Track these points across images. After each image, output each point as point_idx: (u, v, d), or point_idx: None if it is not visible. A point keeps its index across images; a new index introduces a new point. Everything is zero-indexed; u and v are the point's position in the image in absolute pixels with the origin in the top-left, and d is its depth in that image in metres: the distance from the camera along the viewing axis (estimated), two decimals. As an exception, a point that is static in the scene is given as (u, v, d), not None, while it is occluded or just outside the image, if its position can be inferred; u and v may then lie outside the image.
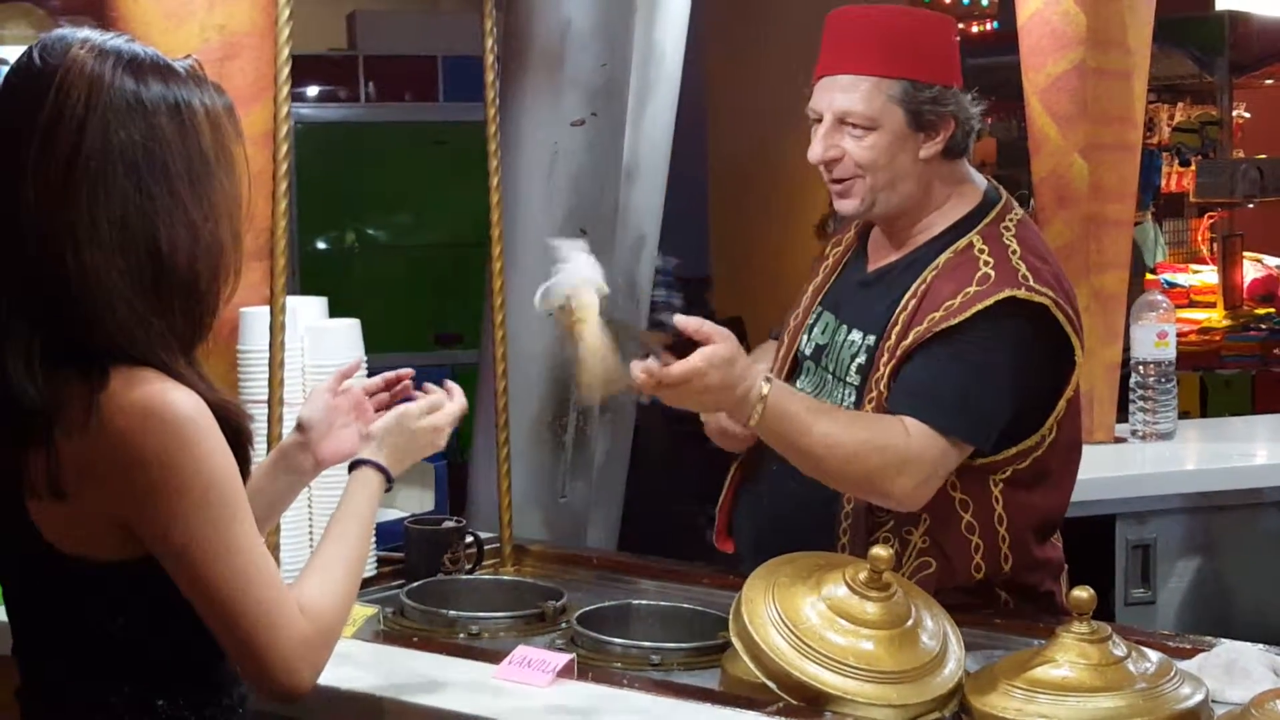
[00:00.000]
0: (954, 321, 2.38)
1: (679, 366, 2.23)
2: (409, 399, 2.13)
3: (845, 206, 2.52)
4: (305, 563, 1.88)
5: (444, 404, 2.10)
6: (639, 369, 2.23)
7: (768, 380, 2.31)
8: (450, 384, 2.14)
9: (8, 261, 1.68)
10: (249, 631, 1.70)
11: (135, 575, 1.71)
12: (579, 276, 2.20)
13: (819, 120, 2.50)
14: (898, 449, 2.34)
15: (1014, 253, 2.44)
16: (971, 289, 2.40)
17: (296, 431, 2.11)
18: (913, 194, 2.50)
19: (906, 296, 2.46)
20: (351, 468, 2.01)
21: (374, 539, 2.66)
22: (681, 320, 2.28)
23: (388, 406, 2.15)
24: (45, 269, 1.66)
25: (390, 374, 2.18)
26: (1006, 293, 2.38)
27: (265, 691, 1.74)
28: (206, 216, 1.71)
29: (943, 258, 2.47)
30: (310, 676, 1.74)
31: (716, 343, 2.25)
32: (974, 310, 2.38)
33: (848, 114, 2.46)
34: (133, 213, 1.67)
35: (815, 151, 2.49)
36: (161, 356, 1.68)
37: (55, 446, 1.66)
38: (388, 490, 2.02)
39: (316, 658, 1.75)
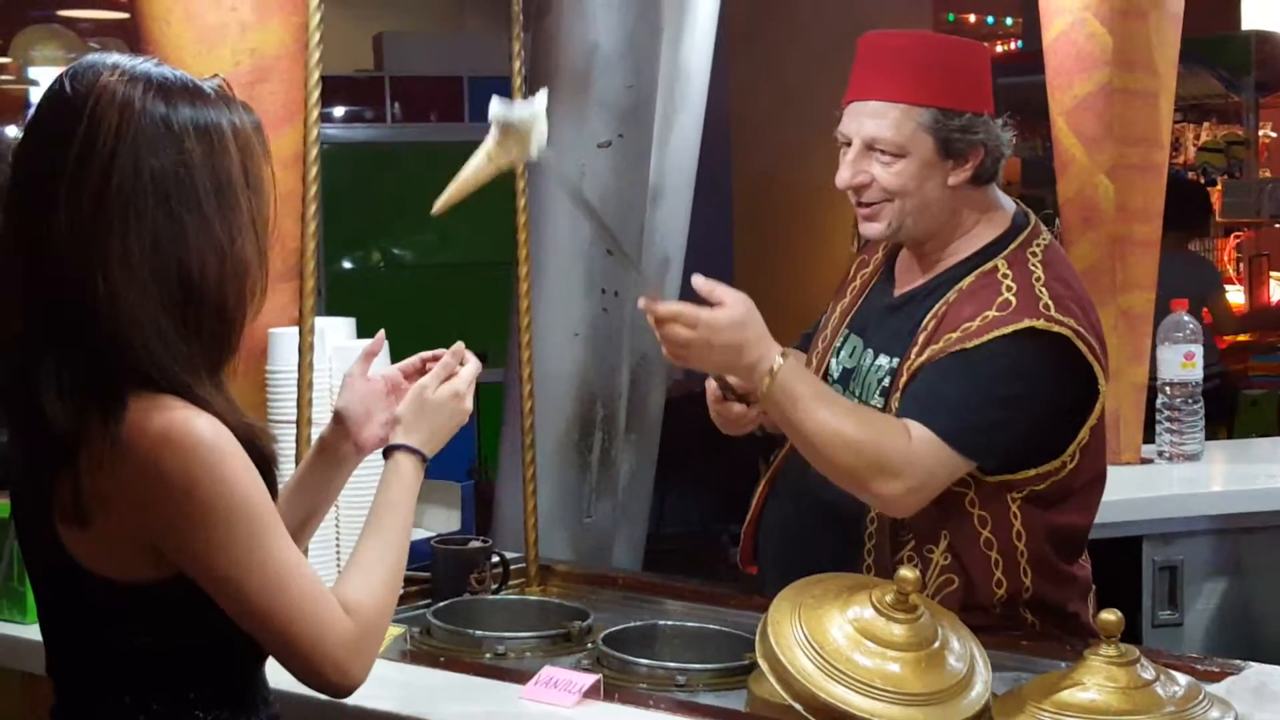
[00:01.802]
0: (970, 344, 2.38)
1: (668, 305, 2.27)
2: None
3: (871, 230, 2.53)
4: (346, 560, 1.88)
5: (456, 368, 2.06)
6: (644, 300, 2.29)
7: (784, 355, 2.32)
8: (459, 346, 2.09)
9: (40, 288, 1.69)
10: (296, 639, 1.71)
11: (164, 595, 1.72)
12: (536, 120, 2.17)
13: (848, 144, 2.50)
14: (897, 451, 2.34)
15: (1038, 279, 2.43)
16: (991, 313, 2.40)
17: (334, 422, 2.09)
18: (940, 220, 2.51)
19: (928, 318, 2.47)
20: (384, 456, 1.99)
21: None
22: (698, 280, 2.32)
23: None
24: (78, 297, 1.67)
25: (427, 353, 2.13)
26: (1026, 323, 2.38)
27: (323, 691, 1.77)
28: (234, 237, 1.72)
29: (966, 280, 2.48)
30: (362, 672, 1.77)
31: (728, 305, 2.28)
32: (992, 335, 2.38)
33: (876, 140, 2.46)
34: (164, 238, 1.68)
35: (844, 177, 2.50)
36: (188, 381, 1.69)
37: (80, 472, 1.67)
38: (426, 471, 1.99)
39: (366, 653, 1.77)
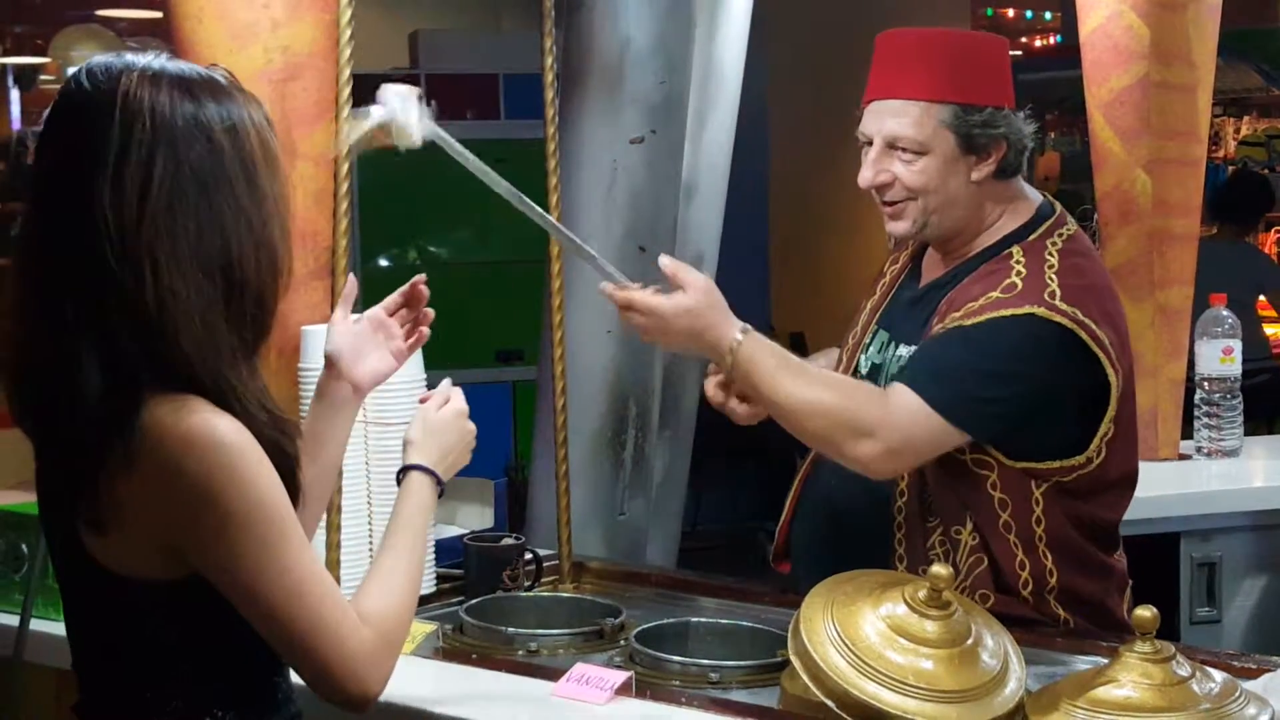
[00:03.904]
0: (969, 322, 2.38)
1: (623, 294, 2.32)
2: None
3: (897, 228, 2.53)
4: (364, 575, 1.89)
5: (453, 393, 2.10)
6: (607, 286, 2.33)
7: (741, 336, 2.33)
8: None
9: (82, 289, 1.69)
10: (312, 647, 1.71)
11: (184, 594, 1.72)
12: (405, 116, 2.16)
13: (869, 144, 2.50)
14: (868, 412, 2.34)
15: (1050, 267, 2.42)
16: (996, 294, 2.40)
17: (326, 366, 2.12)
18: (965, 215, 2.50)
19: (941, 304, 2.47)
20: (398, 481, 2.01)
21: (432, 548, 2.66)
22: (663, 260, 2.36)
23: (414, 321, 2.17)
24: (127, 296, 1.67)
25: (404, 286, 2.18)
26: (1027, 308, 2.36)
27: (338, 702, 1.76)
28: (265, 222, 1.74)
29: (982, 266, 2.47)
30: (379, 683, 1.76)
31: (687, 291, 2.31)
32: (993, 315, 2.37)
33: (898, 139, 2.46)
34: (207, 232, 1.69)
35: (865, 176, 2.50)
36: (227, 375, 1.70)
37: (104, 473, 1.68)
38: (441, 493, 2.02)
39: (383, 665, 1.77)
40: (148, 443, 1.66)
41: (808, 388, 2.36)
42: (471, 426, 2.08)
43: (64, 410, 1.69)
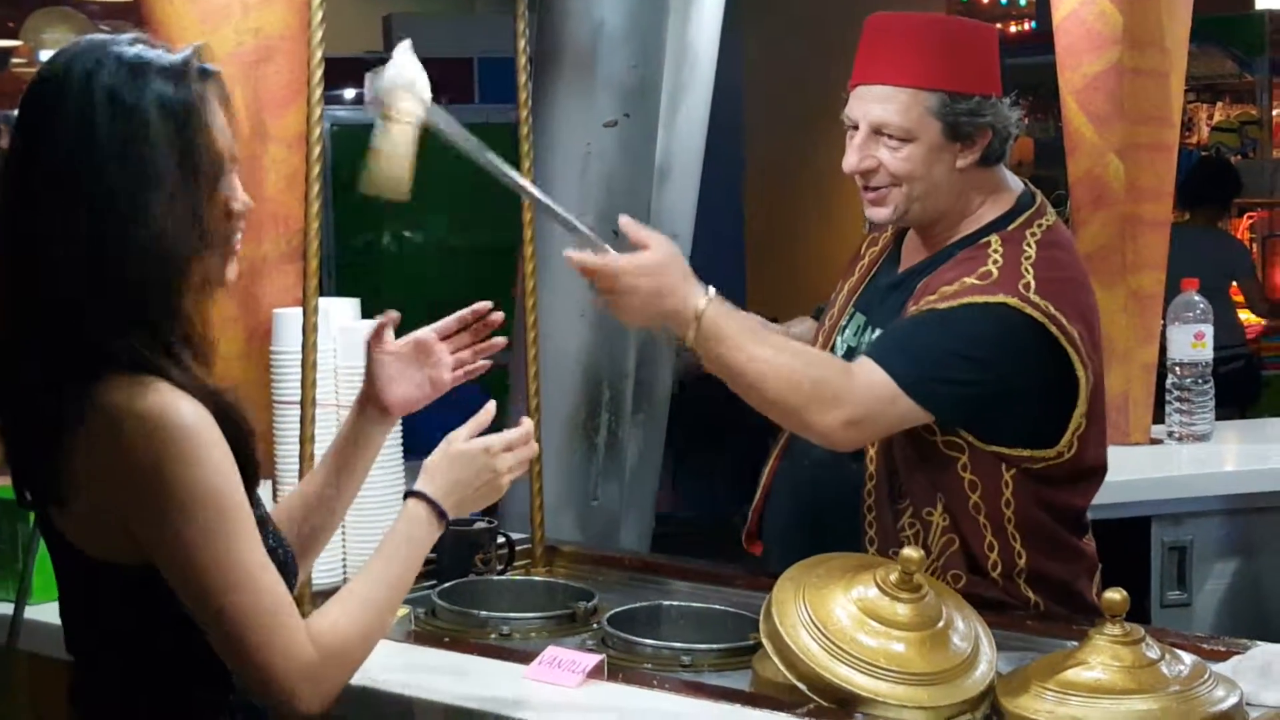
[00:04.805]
0: (942, 306, 2.38)
1: (595, 259, 2.26)
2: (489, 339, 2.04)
3: (878, 214, 2.52)
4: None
5: (514, 441, 1.96)
6: (568, 253, 2.27)
7: (707, 298, 2.30)
8: (527, 421, 2.00)
9: (16, 274, 1.70)
10: (243, 647, 1.68)
11: (146, 578, 1.70)
12: (404, 78, 2.13)
13: (854, 128, 2.49)
14: (831, 382, 2.33)
15: (1027, 258, 2.42)
16: (970, 280, 2.39)
17: (364, 385, 2.05)
18: (948, 202, 2.50)
19: (917, 288, 2.47)
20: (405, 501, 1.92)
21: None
22: (624, 220, 2.32)
23: (471, 345, 2.06)
24: (40, 282, 1.67)
25: (465, 311, 2.05)
26: (1000, 298, 2.36)
27: (270, 705, 1.73)
28: (161, 210, 1.68)
29: (961, 252, 2.47)
30: (313, 700, 1.70)
31: (650, 249, 2.27)
32: (965, 301, 2.37)
33: (884, 125, 2.45)
34: (111, 217, 1.66)
35: (850, 161, 2.49)
36: (157, 361, 1.67)
37: (62, 453, 1.67)
38: (444, 529, 1.90)
39: (320, 685, 1.71)
40: (105, 420, 1.65)
41: (775, 354, 2.34)
42: (501, 466, 1.94)
43: (17, 391, 1.70)
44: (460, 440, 1.93)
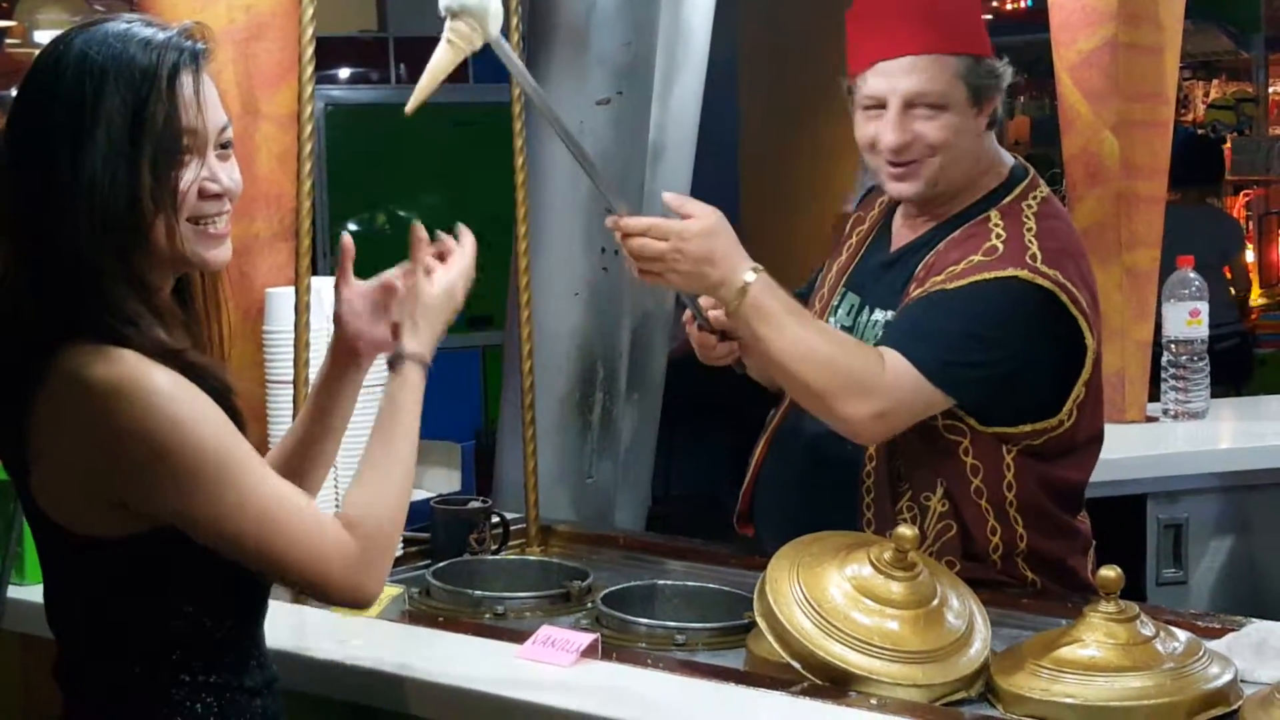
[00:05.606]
0: (951, 285, 2.37)
1: (641, 219, 2.24)
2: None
3: (906, 189, 2.48)
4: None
5: (456, 255, 1.99)
6: (610, 220, 2.25)
7: (755, 270, 2.28)
8: (462, 230, 2.03)
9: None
10: (296, 568, 1.72)
11: (140, 554, 1.71)
12: (476, 2, 2.12)
13: (879, 106, 2.44)
14: (869, 372, 2.31)
15: (1029, 230, 2.41)
16: (977, 258, 2.38)
17: (335, 329, 2.04)
18: (969, 170, 2.48)
19: (919, 269, 2.45)
20: (389, 367, 1.92)
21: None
22: (668, 196, 2.31)
23: None
24: (12, 241, 1.69)
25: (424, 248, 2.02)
26: (1010, 271, 2.36)
27: (338, 605, 1.80)
28: (121, 176, 1.67)
29: (959, 230, 2.46)
30: (374, 584, 1.77)
31: (699, 217, 2.25)
32: (975, 278, 2.36)
33: (920, 95, 2.41)
34: (55, 176, 1.67)
35: (890, 140, 2.43)
36: (122, 330, 1.67)
37: (26, 426, 1.68)
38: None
39: (373, 565, 1.77)
40: (71, 391, 1.65)
41: (816, 338, 2.32)
42: (460, 298, 1.98)
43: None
44: (432, 288, 1.94)
